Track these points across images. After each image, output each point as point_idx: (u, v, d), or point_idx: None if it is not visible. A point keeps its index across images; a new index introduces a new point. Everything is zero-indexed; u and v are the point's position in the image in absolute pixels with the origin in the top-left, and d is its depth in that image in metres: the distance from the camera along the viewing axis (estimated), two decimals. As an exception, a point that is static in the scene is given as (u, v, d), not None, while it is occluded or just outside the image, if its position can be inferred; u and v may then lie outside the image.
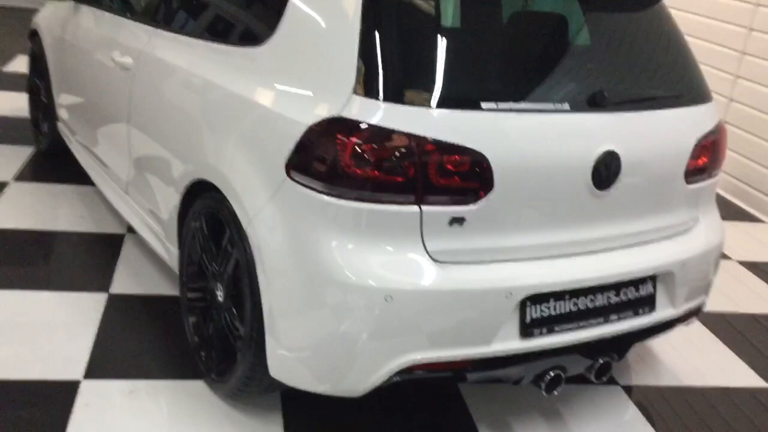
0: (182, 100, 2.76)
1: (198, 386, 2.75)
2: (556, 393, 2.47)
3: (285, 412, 2.67)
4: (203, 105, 2.63)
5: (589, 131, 2.34)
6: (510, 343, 2.31)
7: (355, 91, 2.17)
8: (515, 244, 2.31)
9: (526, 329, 2.31)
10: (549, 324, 2.35)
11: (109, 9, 3.59)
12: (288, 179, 2.23)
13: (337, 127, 2.16)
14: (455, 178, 2.17)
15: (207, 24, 2.86)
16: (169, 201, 2.90)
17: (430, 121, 2.15)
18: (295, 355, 2.29)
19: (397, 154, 2.13)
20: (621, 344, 2.58)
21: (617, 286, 2.47)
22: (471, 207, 2.19)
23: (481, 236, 2.25)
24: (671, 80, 2.60)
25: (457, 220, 2.20)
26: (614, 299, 2.47)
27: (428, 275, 2.18)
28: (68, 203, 4.07)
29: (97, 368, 2.76)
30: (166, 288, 3.36)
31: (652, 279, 2.56)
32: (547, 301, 2.33)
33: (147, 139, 3.05)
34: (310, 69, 2.30)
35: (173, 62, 2.86)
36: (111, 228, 3.86)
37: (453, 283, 2.19)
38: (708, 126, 2.65)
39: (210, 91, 2.60)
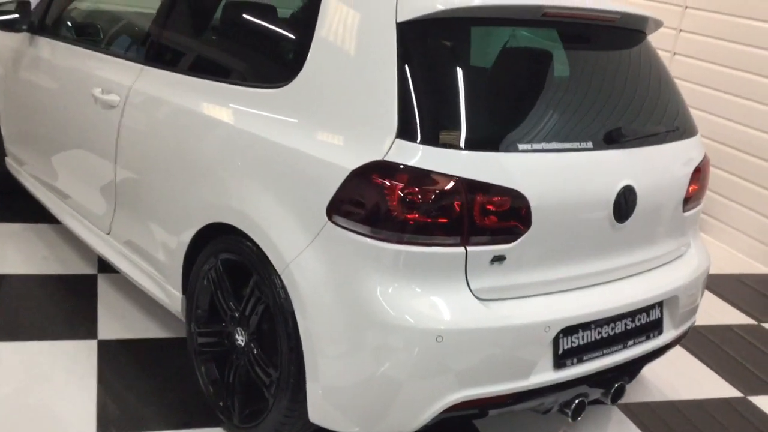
0: (192, 142, 2.70)
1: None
2: (580, 419, 2.57)
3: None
4: (221, 148, 2.59)
5: (610, 167, 2.46)
6: (545, 375, 2.38)
7: (397, 135, 2.19)
8: (548, 278, 2.39)
9: (559, 360, 2.40)
10: (579, 354, 2.44)
11: (83, 43, 3.46)
12: (330, 223, 2.24)
13: (381, 171, 2.18)
14: (498, 217, 2.23)
15: (217, 63, 2.82)
16: (173, 244, 2.83)
17: (473, 163, 2.20)
18: (339, 398, 2.28)
19: (442, 196, 2.17)
20: (633, 368, 2.71)
21: (633, 314, 2.59)
22: (511, 245, 2.26)
23: (519, 272, 2.32)
24: (669, 116, 2.76)
25: (498, 258, 2.26)
26: (630, 326, 2.59)
27: (475, 314, 2.23)
28: (27, 243, 3.89)
29: (110, 424, 2.66)
30: (156, 330, 3.26)
31: (659, 304, 2.69)
32: (577, 332, 2.42)
33: (142, 180, 2.97)
34: (345, 111, 2.31)
35: (176, 102, 2.80)
36: (80, 268, 3.72)
37: (498, 321, 2.25)
38: (699, 156, 2.82)
39: (228, 133, 2.57)
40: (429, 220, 2.17)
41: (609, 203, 2.43)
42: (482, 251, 2.23)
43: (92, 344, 3.10)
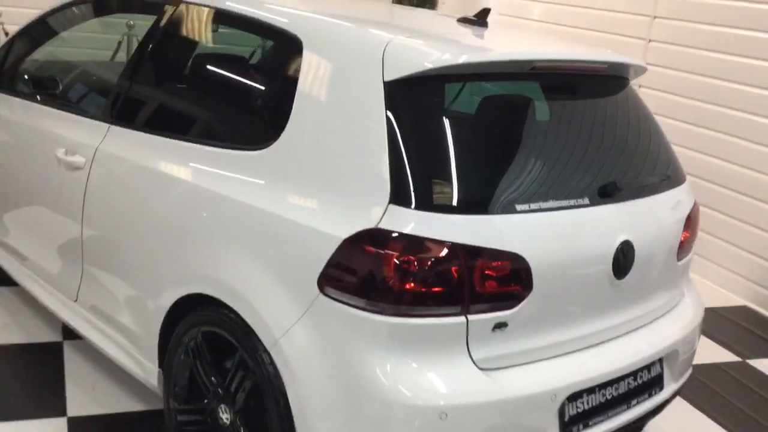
0: (166, 207, 2.55)
1: None
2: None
3: None
4: (198, 214, 2.44)
5: (608, 223, 2.37)
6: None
7: (390, 201, 2.08)
8: (550, 342, 2.28)
9: (566, 428, 2.28)
10: (584, 419, 2.33)
11: (43, 100, 3.29)
12: (322, 296, 2.10)
13: (375, 239, 2.06)
14: (499, 283, 2.12)
15: (191, 122, 2.68)
16: (146, 314, 2.66)
17: (469, 227, 2.09)
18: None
19: (441, 264, 2.05)
20: (636, 426, 2.61)
21: (635, 372, 2.49)
22: (513, 310, 2.15)
23: (521, 338, 2.21)
24: (660, 164, 2.69)
25: (500, 325, 2.15)
26: (632, 384, 2.49)
27: (480, 387, 2.11)
28: (-15, 310, 3.67)
29: None
30: (129, 403, 3.07)
31: (659, 359, 2.60)
32: (582, 397, 2.31)
33: (112, 247, 2.80)
34: (332, 176, 2.19)
35: (146, 164, 2.65)
36: (44, 335, 3.51)
37: (503, 393, 2.13)
38: (690, 203, 2.76)
39: (207, 198, 2.42)
40: (428, 289, 2.05)
41: (608, 260, 2.34)
42: (484, 319, 2.12)
43: (61, 423, 2.90)
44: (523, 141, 2.33)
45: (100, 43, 5.86)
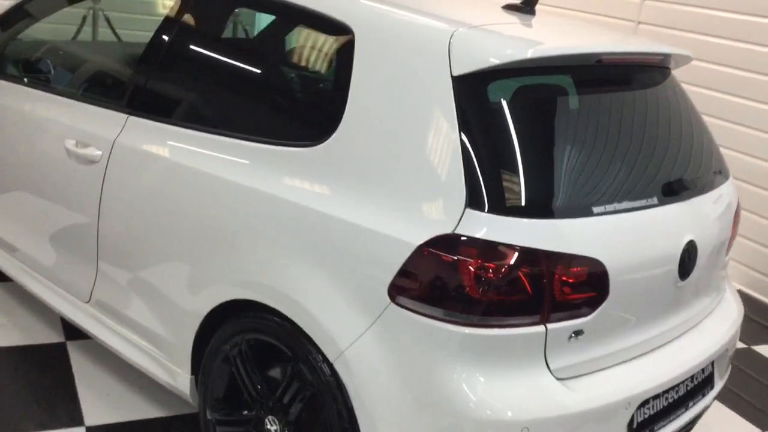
0: (205, 207, 2.38)
1: None
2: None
3: None
4: (242, 216, 2.28)
5: (675, 222, 2.30)
6: (620, 453, 2.21)
7: (467, 205, 1.96)
8: (619, 348, 2.21)
9: (634, 433, 2.22)
10: (650, 425, 2.27)
11: (49, 86, 3.06)
12: (393, 305, 1.98)
13: (452, 245, 1.94)
14: (578, 289, 2.03)
15: (230, 115, 2.49)
16: (178, 319, 2.50)
17: (551, 232, 1.99)
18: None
19: (523, 272, 1.95)
20: (688, 428, 2.56)
21: (692, 374, 2.44)
22: (590, 317, 2.06)
23: (594, 345, 2.13)
24: (710, 158, 2.63)
25: (577, 333, 2.06)
26: (690, 386, 2.44)
27: (560, 398, 2.02)
28: (-23, 309, 3.43)
29: None
30: (148, 410, 2.91)
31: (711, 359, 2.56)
32: (648, 403, 2.25)
33: (136, 248, 2.62)
34: (397, 177, 2.06)
35: (178, 160, 2.47)
36: (44, 336, 3.30)
37: (582, 404, 2.05)
38: (736, 198, 2.70)
39: (252, 199, 2.26)
40: (507, 298, 1.95)
41: (675, 261, 2.27)
42: (562, 327, 2.02)
43: (80, 433, 2.73)
44: (595, 139, 2.23)
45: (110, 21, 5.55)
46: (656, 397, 2.27)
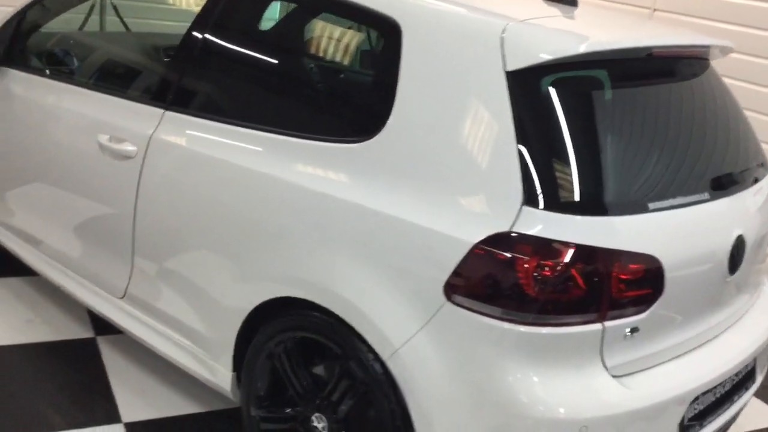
0: (247, 205, 2.36)
1: None
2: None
3: None
4: (289, 213, 2.26)
5: (724, 217, 2.29)
6: (671, 449, 2.20)
7: (524, 202, 1.94)
8: (669, 345, 2.20)
9: (684, 429, 2.21)
10: (700, 420, 2.27)
11: (73, 79, 3.02)
12: (448, 303, 1.96)
13: (509, 244, 1.93)
14: (635, 287, 2.02)
15: (273, 111, 2.46)
16: (220, 316, 2.48)
17: (608, 230, 1.98)
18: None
19: (582, 270, 1.93)
20: (729, 424, 2.56)
21: (737, 368, 2.43)
22: (646, 314, 2.05)
23: (648, 342, 2.12)
24: (753, 151, 2.61)
25: (632, 331, 2.05)
26: (735, 380, 2.44)
27: (617, 397, 2.01)
28: (4, 303, 3.39)
29: None
30: (185, 406, 2.89)
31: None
32: (698, 399, 2.24)
33: (175, 244, 2.59)
34: (450, 174, 2.03)
35: (221, 157, 2.44)
36: (73, 331, 3.28)
37: (638, 402, 2.04)
38: None
39: (300, 196, 2.24)
40: (565, 296, 1.93)
41: (725, 255, 2.26)
42: (619, 325, 2.01)
43: (118, 430, 2.71)
44: (645, 133, 2.21)
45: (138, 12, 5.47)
46: (705, 393, 2.26)
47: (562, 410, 1.93)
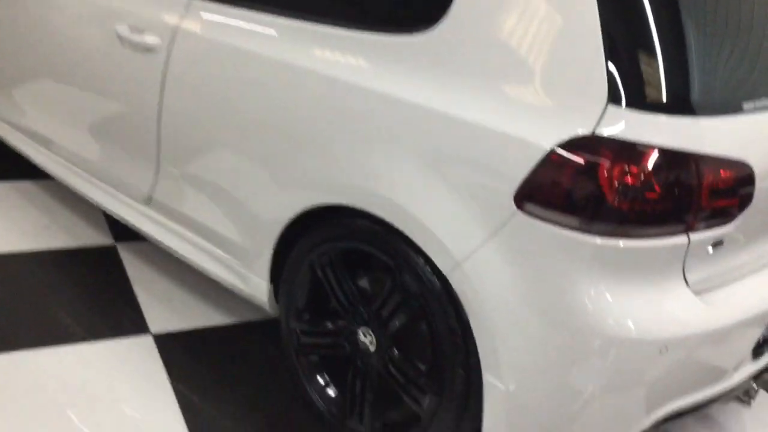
0: (288, 103, 2.14)
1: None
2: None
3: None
4: (336, 112, 2.04)
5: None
6: (747, 367, 2.07)
7: (609, 101, 1.73)
8: (747, 259, 2.03)
9: (758, 348, 2.07)
10: (771, 340, 2.12)
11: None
12: (520, 213, 1.78)
13: (591, 147, 1.72)
14: (724, 196, 1.83)
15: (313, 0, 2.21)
16: (257, 225, 2.30)
17: (699, 132, 1.77)
18: (530, 419, 1.89)
19: (667, 176, 1.74)
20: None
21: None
22: (731, 225, 1.87)
23: (729, 255, 1.95)
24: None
25: (717, 243, 1.87)
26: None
27: (699, 315, 1.85)
28: (17, 210, 3.21)
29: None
30: (214, 316, 2.75)
31: None
32: (770, 315, 2.09)
33: (206, 146, 2.39)
34: (522, 69, 1.81)
35: (259, 51, 2.20)
36: (92, 238, 3.11)
37: (722, 320, 1.88)
38: None
39: (349, 94, 2.02)
40: (650, 206, 1.74)
41: None
42: (705, 237, 1.83)
43: (147, 342, 2.57)
44: (744, 26, 1.98)
45: None
46: (782, 311, 2.11)
47: (640, 329, 1.77)
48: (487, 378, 1.88)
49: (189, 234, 2.56)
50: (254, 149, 2.25)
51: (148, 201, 2.66)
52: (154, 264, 2.96)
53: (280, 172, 2.19)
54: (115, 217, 2.84)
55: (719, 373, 1.97)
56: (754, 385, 2.22)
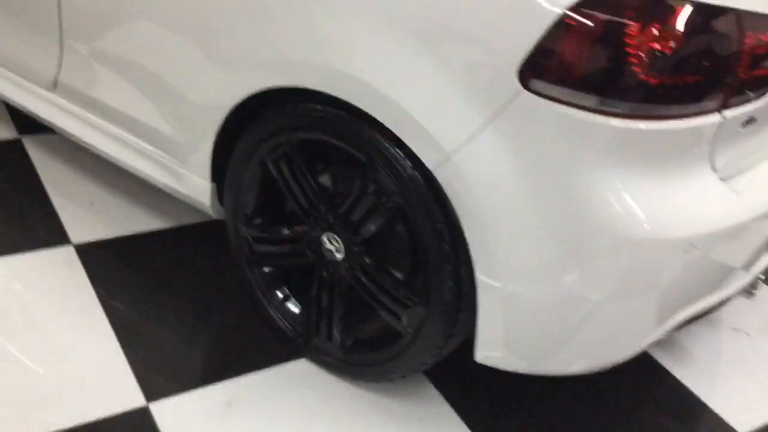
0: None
1: (301, 368, 1.99)
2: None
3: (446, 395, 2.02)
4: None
5: None
6: (763, 260, 1.85)
7: (633, -49, 1.38)
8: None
9: (770, 243, 1.85)
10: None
11: None
12: (525, 91, 1.44)
13: (614, 7, 1.39)
14: (763, 64, 1.53)
15: None
16: (194, 114, 1.91)
17: (738, -15, 1.45)
18: (534, 330, 1.64)
19: (708, 40, 1.43)
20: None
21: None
22: (763, 101, 1.59)
23: (756, 135, 1.67)
24: None
25: (749, 122, 1.59)
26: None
27: (728, 206, 1.60)
28: None
29: (153, 380, 1.88)
30: (141, 221, 2.37)
31: None
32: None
33: (116, 16, 1.95)
34: None
35: None
36: (-9, 133, 2.65)
37: (750, 210, 1.64)
38: None
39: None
40: (682, 78, 1.44)
41: None
42: (737, 115, 1.55)
43: (67, 252, 2.19)
44: None
45: None
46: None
47: (661, 227, 1.50)
48: (483, 281, 1.59)
49: (105, 124, 2.14)
50: (179, 18, 1.83)
51: (54, 86, 2.21)
52: (69, 161, 2.53)
53: (220, 48, 1.79)
54: (17, 107, 2.38)
55: (739, 269, 1.74)
56: (762, 276, 2.01)
